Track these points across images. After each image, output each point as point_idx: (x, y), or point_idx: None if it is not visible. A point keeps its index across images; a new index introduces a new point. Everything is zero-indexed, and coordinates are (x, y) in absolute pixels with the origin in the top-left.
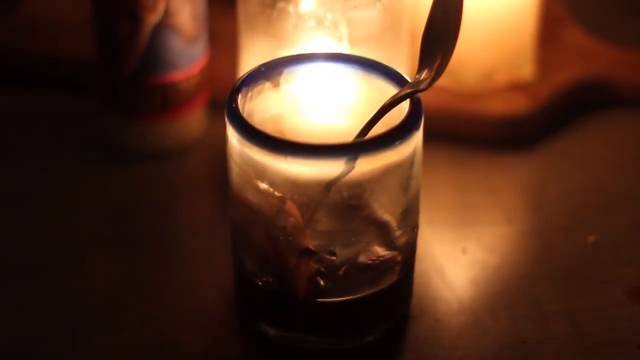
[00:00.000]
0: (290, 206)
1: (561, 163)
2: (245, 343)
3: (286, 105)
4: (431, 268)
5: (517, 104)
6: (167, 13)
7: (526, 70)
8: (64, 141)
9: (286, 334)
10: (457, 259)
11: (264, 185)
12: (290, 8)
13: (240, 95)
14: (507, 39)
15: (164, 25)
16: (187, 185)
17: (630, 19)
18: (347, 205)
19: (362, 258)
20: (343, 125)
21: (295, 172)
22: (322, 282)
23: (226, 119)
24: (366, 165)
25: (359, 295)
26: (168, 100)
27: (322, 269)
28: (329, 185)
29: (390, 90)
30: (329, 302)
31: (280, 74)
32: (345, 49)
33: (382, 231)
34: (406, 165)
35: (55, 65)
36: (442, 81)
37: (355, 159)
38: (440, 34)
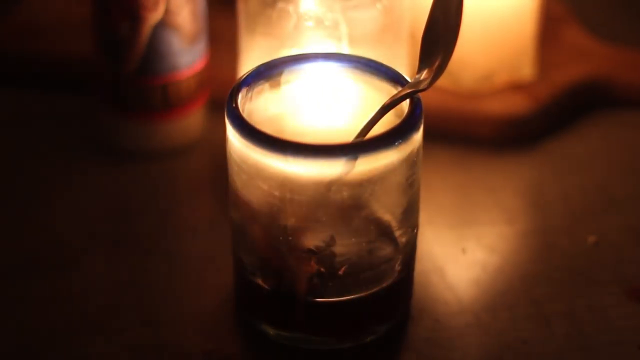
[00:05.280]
0: (290, 206)
1: (561, 163)
2: (245, 343)
3: (286, 105)
4: (431, 268)
5: (517, 104)
6: (167, 13)
7: (526, 71)
8: (64, 141)
9: (286, 334)
10: (457, 259)
11: (264, 186)
12: (290, 8)
13: (240, 95)
14: (507, 40)
15: (165, 25)
16: (187, 185)
17: (630, 19)
18: (347, 205)
19: (362, 258)
20: (343, 125)
21: (295, 172)
22: (322, 282)
23: (226, 119)
24: (366, 165)
25: (359, 295)
26: (168, 100)
27: (322, 269)
28: (329, 185)
29: (390, 90)
30: (329, 302)
31: (280, 74)
32: (345, 49)
33: (382, 231)
34: (406, 165)
35: (55, 65)
36: (442, 82)
37: (355, 159)
38: (440, 34)
